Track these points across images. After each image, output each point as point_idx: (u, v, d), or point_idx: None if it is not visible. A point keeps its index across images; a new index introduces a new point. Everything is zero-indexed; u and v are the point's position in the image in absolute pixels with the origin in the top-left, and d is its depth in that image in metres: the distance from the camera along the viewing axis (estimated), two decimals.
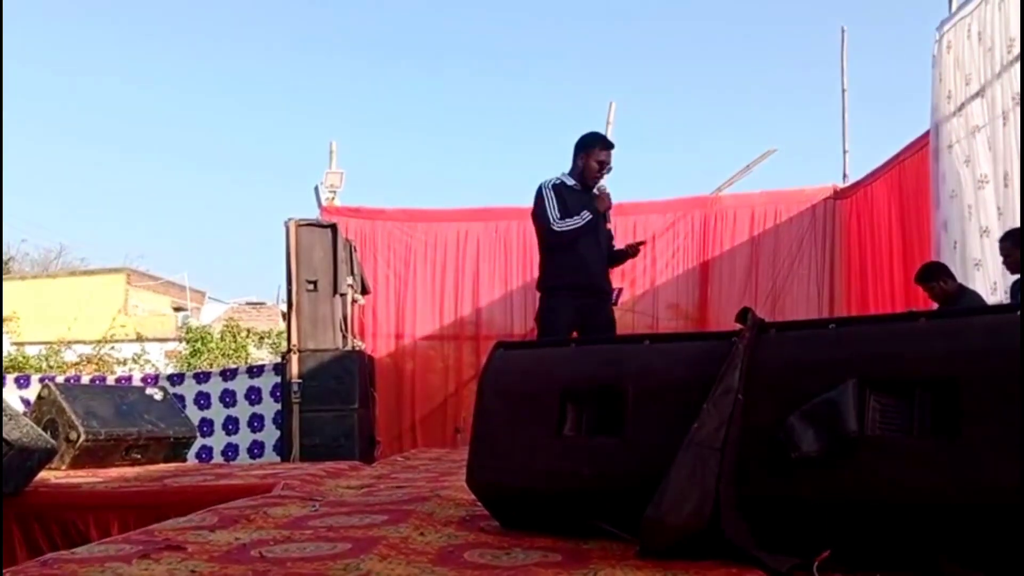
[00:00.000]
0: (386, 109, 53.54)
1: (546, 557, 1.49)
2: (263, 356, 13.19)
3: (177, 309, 22.22)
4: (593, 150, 4.33)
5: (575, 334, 4.14)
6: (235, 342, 13.05)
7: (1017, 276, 4.55)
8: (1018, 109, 4.80)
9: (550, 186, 4.32)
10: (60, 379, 6.59)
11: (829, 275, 7.65)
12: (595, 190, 4.36)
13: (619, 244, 7.46)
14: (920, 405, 1.34)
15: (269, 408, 6.39)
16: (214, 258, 45.86)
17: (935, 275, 4.94)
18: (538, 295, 4.46)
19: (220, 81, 51.68)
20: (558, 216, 4.24)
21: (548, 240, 4.31)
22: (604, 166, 4.36)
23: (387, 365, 8.03)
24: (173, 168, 51.45)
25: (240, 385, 6.53)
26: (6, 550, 2.67)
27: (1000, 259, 4.67)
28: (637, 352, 1.73)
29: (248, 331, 13.63)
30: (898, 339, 1.42)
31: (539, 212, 4.32)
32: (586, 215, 4.25)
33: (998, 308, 1.53)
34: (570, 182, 4.35)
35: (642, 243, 4.76)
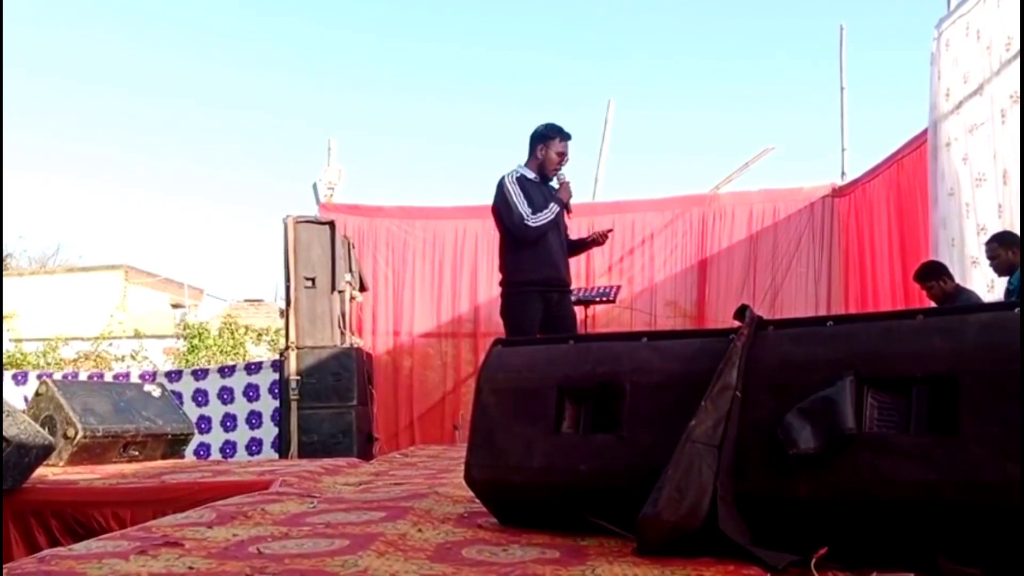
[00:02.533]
0: (385, 107, 53.48)
1: (544, 554, 1.49)
2: (261, 353, 13.16)
3: (175, 306, 22.18)
4: (552, 141, 4.27)
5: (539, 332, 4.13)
6: (233, 339, 13.01)
7: (1007, 278, 4.57)
8: (1016, 107, 4.80)
9: (514, 179, 4.25)
10: (58, 376, 6.60)
11: (827, 273, 7.65)
12: (556, 180, 4.31)
13: (617, 242, 7.45)
14: (917, 402, 1.34)
15: (267, 405, 6.40)
16: (212, 255, 45.76)
17: (934, 274, 4.95)
18: (501, 289, 4.36)
19: (218, 78, 51.61)
20: (529, 211, 4.17)
21: (518, 235, 4.22)
22: (564, 157, 4.30)
23: (385, 362, 8.03)
24: (171, 165, 51.37)
25: (238, 382, 6.53)
26: (3, 546, 2.67)
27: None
28: (635, 349, 1.73)
29: (246, 328, 13.59)
30: (895, 336, 1.42)
31: (504, 207, 4.24)
32: (554, 208, 4.21)
33: (995, 305, 1.53)
34: (530, 175, 4.30)
35: (609, 231, 4.74)
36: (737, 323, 1.57)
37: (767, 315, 1.65)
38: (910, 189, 6.44)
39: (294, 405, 5.66)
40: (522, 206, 4.18)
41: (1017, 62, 4.80)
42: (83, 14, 47.02)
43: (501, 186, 4.27)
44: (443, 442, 7.04)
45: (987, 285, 5.09)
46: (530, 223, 4.17)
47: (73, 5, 46.97)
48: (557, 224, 4.29)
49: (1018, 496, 1.19)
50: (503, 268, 4.36)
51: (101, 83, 48.59)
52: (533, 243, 4.21)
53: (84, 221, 46.66)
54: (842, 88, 7.89)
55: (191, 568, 1.42)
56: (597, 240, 4.59)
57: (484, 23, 54.11)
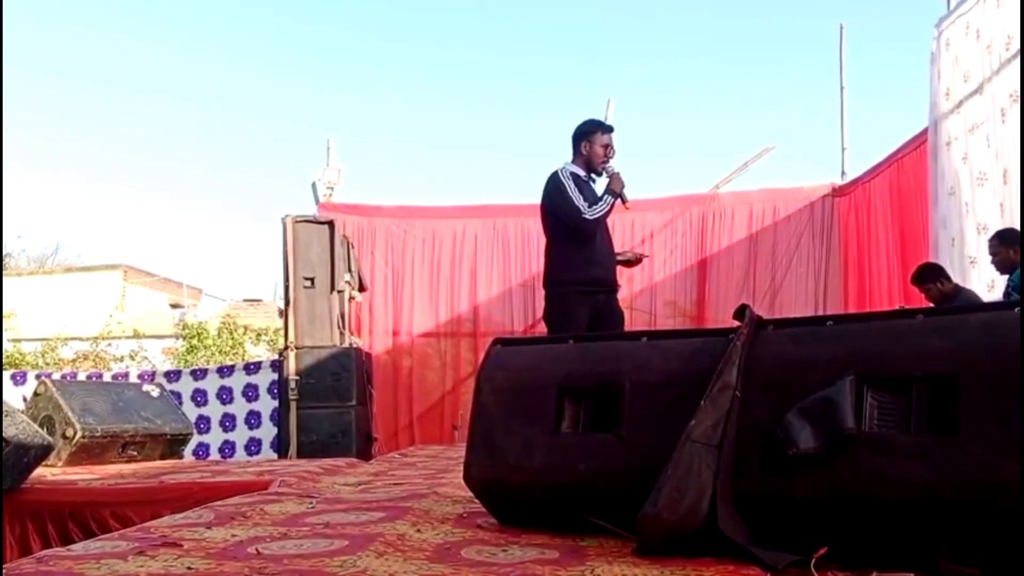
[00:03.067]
0: (384, 108, 53.45)
1: (543, 554, 1.48)
2: (260, 353, 13.15)
3: (174, 306, 22.18)
4: (595, 135, 4.20)
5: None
6: (232, 339, 13.00)
7: (1007, 277, 4.57)
8: (1016, 106, 4.80)
9: (567, 174, 4.14)
10: (56, 376, 6.59)
11: (827, 272, 7.66)
12: (605, 173, 4.20)
13: (616, 242, 7.46)
14: (917, 402, 1.34)
15: (266, 405, 6.39)
16: (211, 254, 45.73)
17: (931, 276, 4.95)
18: (545, 290, 4.23)
19: (217, 77, 51.59)
20: (586, 204, 4.06)
21: (576, 228, 4.09)
22: (609, 149, 4.22)
23: (384, 362, 8.03)
24: (170, 165, 51.34)
25: (237, 382, 6.52)
26: (2, 547, 2.67)
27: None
28: (634, 349, 1.72)
29: (245, 328, 13.58)
30: (895, 336, 1.42)
31: (560, 200, 4.10)
32: (608, 199, 4.11)
33: (995, 305, 1.53)
34: (580, 172, 4.20)
35: (644, 256, 4.65)
36: (737, 323, 1.57)
37: (767, 314, 1.65)
38: (910, 189, 6.44)
39: (293, 405, 5.66)
40: (578, 199, 4.07)
41: (1017, 61, 4.80)
42: (84, 14, 47.02)
43: (555, 181, 4.15)
44: (442, 442, 7.04)
45: (987, 284, 5.09)
46: (587, 215, 4.07)
47: (73, 5, 46.98)
48: (605, 223, 4.21)
49: (1018, 496, 1.18)
50: (549, 267, 4.23)
51: (101, 83, 48.55)
52: (586, 240, 4.11)
53: (83, 221, 46.60)
54: (842, 87, 7.90)
55: (190, 568, 1.41)
56: (630, 260, 4.53)
57: (482, 24, 54.10)
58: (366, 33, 53.29)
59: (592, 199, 4.13)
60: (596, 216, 4.09)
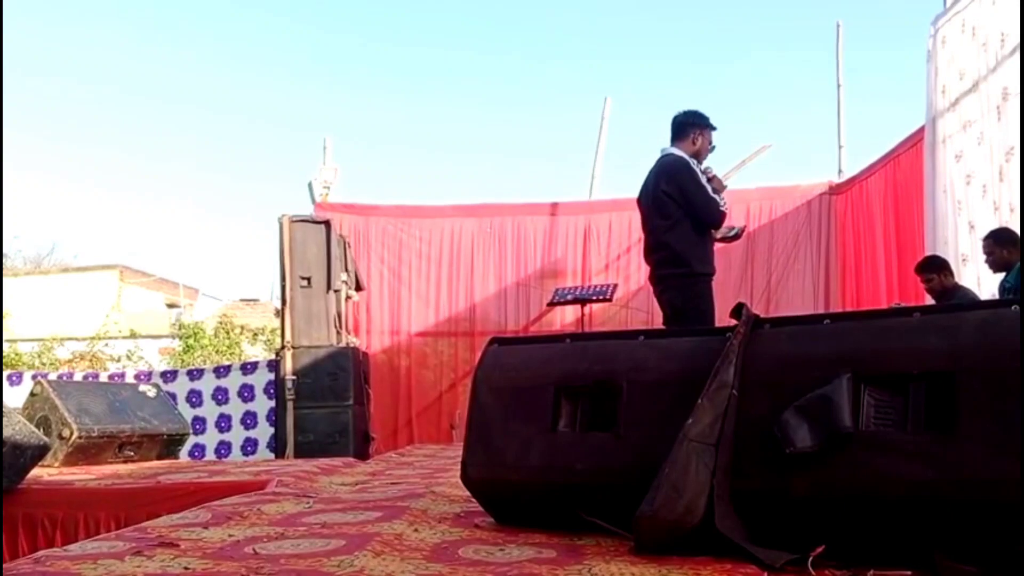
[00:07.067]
0: (381, 107, 53.43)
1: (540, 553, 1.48)
2: (257, 353, 13.13)
3: (170, 306, 22.15)
4: (707, 130, 4.08)
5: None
6: (228, 339, 12.99)
7: (1000, 276, 4.58)
8: (1007, 103, 4.81)
9: (695, 164, 4.02)
10: (53, 376, 6.57)
11: (824, 270, 7.67)
12: (704, 172, 4.08)
13: (614, 241, 7.43)
14: (914, 400, 1.34)
15: (263, 405, 6.38)
16: (208, 254, 45.67)
17: (936, 268, 4.97)
18: (667, 274, 4.03)
19: (214, 78, 51.50)
20: (718, 199, 3.98)
21: (711, 221, 3.99)
22: (712, 146, 4.16)
23: (381, 361, 8.03)
24: (167, 165, 51.24)
25: (233, 382, 6.52)
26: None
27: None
28: (631, 348, 1.72)
29: (242, 328, 13.57)
30: (892, 334, 1.41)
31: (697, 190, 3.95)
32: (723, 196, 4.06)
33: (992, 303, 1.54)
34: (692, 162, 4.07)
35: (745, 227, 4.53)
36: (734, 321, 1.57)
37: (764, 313, 1.65)
38: (907, 186, 6.45)
39: (290, 405, 5.65)
40: (708, 191, 3.98)
41: (1016, 57, 4.80)
42: (82, 14, 46.92)
43: (688, 169, 3.99)
44: (440, 441, 7.04)
45: (976, 282, 5.10)
46: (723, 208, 3.99)
47: (72, 5, 46.88)
48: None
49: (1016, 493, 1.18)
50: (685, 256, 3.96)
51: (98, 83, 48.46)
52: (708, 234, 4.04)
53: (79, 220, 46.54)
54: (839, 85, 7.91)
55: (187, 568, 1.41)
56: (737, 235, 4.44)
57: (478, 25, 54.05)
58: (362, 34, 53.23)
59: None
60: (725, 209, 4.03)
